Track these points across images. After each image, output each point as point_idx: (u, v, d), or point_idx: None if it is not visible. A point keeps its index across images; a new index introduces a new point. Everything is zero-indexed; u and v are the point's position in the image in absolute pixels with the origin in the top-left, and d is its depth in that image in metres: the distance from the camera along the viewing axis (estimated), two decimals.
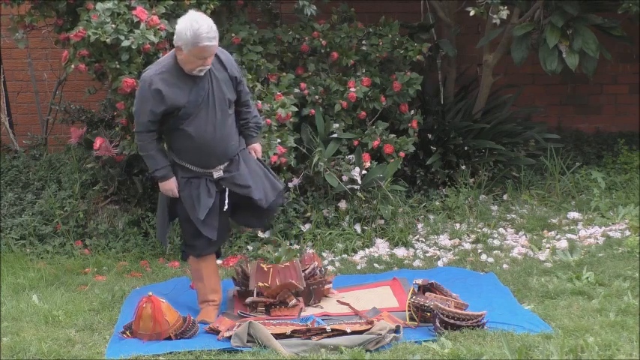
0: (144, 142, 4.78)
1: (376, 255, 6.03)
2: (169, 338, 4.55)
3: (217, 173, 4.85)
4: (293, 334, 4.45)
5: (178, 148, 4.82)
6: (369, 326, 4.43)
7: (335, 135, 6.52)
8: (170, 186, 4.84)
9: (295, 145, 6.24)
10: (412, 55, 6.74)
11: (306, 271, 5.16)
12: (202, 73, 4.66)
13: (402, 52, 6.78)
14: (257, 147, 5.06)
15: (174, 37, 4.61)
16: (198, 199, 4.82)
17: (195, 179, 4.84)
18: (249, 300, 4.98)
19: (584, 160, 7.57)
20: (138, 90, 4.81)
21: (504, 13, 6.42)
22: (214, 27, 4.59)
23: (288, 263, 5.33)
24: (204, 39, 4.51)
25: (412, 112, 6.85)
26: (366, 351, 4.26)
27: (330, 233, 6.24)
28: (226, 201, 4.90)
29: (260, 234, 6.26)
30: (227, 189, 4.89)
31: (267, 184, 5.01)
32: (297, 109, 6.26)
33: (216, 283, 5.06)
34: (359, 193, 6.40)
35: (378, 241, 6.25)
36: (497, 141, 7.08)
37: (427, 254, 6.05)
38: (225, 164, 4.87)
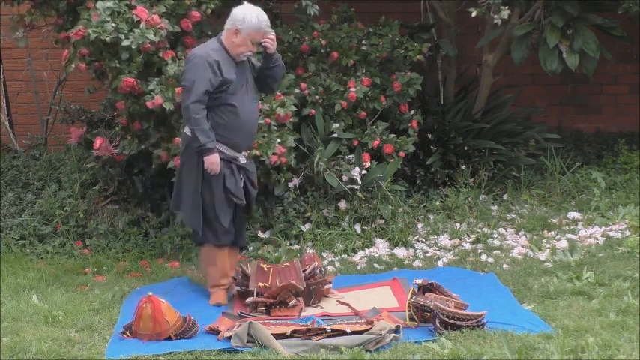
0: (198, 115, 4.98)
1: (376, 255, 6.03)
2: (169, 338, 4.55)
3: (242, 159, 5.22)
4: (293, 334, 4.45)
5: (223, 125, 5.09)
6: (369, 326, 4.43)
7: (335, 135, 6.52)
8: (216, 159, 5.05)
9: (295, 145, 6.24)
10: (412, 55, 6.74)
11: (306, 271, 5.16)
12: (245, 58, 5.14)
13: (402, 52, 6.78)
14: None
15: (231, 21, 5.05)
16: (232, 180, 5.14)
17: (226, 162, 5.13)
18: (249, 300, 4.98)
19: (584, 160, 7.57)
20: (191, 64, 5.05)
21: (505, 13, 6.42)
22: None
23: (288, 263, 5.34)
24: (266, 26, 5.08)
25: (412, 112, 6.85)
26: (366, 351, 4.26)
27: (330, 233, 6.24)
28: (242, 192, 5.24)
29: (260, 234, 6.26)
30: (244, 180, 5.26)
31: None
32: (296, 109, 6.26)
33: (228, 268, 5.31)
34: (359, 193, 6.40)
35: (378, 241, 6.25)
36: (497, 141, 7.08)
37: (427, 254, 6.05)
38: (247, 153, 5.31)
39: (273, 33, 5.22)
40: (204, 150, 5.01)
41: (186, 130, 5.14)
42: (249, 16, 5.01)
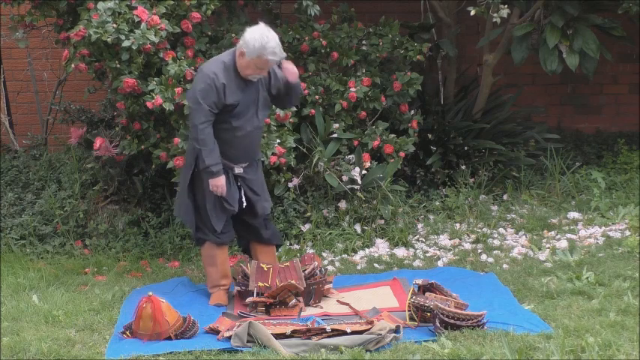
0: (205, 135, 4.95)
1: (376, 255, 6.03)
2: (169, 338, 4.55)
3: (238, 169, 5.18)
4: (293, 334, 4.45)
5: (221, 139, 5.04)
6: (369, 326, 4.43)
7: (335, 135, 6.51)
8: (221, 182, 5.04)
9: (295, 145, 6.24)
10: (412, 55, 6.74)
11: (306, 271, 5.17)
12: (255, 80, 5.03)
13: (402, 52, 6.78)
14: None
15: (241, 42, 4.93)
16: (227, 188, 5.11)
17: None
18: (249, 300, 4.99)
19: (584, 160, 7.57)
20: (200, 82, 4.99)
21: (505, 12, 6.42)
22: (280, 44, 4.95)
23: (288, 263, 5.34)
24: (270, 53, 4.88)
25: (412, 112, 6.84)
26: (366, 351, 4.26)
27: (330, 233, 6.24)
28: (243, 198, 5.22)
29: None
30: (242, 188, 5.21)
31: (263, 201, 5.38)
32: (296, 109, 6.26)
33: (228, 268, 5.35)
34: (359, 193, 6.40)
35: (378, 241, 6.25)
36: (497, 141, 7.08)
37: (427, 254, 6.05)
38: (246, 164, 5.21)
39: (290, 63, 5.17)
40: (209, 172, 5.01)
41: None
42: (252, 41, 4.87)
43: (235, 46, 6.18)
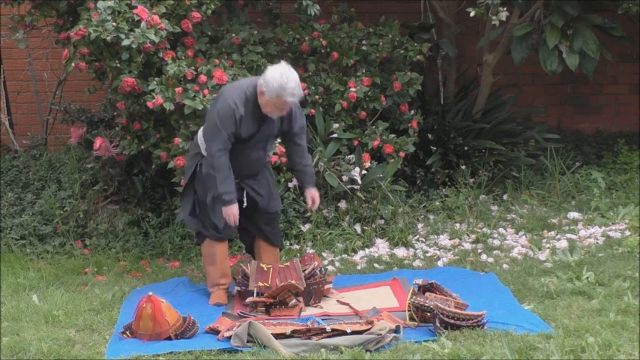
0: (221, 162, 4.95)
1: (376, 255, 6.03)
2: (169, 338, 4.55)
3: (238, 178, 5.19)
4: (293, 334, 4.45)
5: None
6: (369, 326, 4.43)
7: (335, 135, 6.52)
8: (234, 210, 5.04)
9: None
10: (412, 55, 6.74)
11: (306, 271, 5.16)
12: (274, 117, 5.02)
13: (402, 52, 6.78)
14: (315, 194, 5.33)
15: (261, 80, 4.89)
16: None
17: None
18: (249, 300, 4.99)
19: (584, 160, 7.57)
20: (221, 108, 4.94)
21: (504, 14, 6.42)
22: (300, 85, 4.92)
23: (288, 263, 5.34)
24: (289, 95, 4.86)
25: (412, 112, 6.85)
26: (366, 351, 4.26)
27: (330, 233, 6.24)
28: (245, 198, 5.21)
29: None
30: (245, 190, 5.22)
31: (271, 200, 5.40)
32: None
33: (228, 267, 5.36)
34: (359, 193, 6.40)
35: (378, 241, 6.25)
36: (497, 141, 7.08)
37: (427, 254, 6.05)
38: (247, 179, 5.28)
39: (316, 193, 5.28)
40: (222, 201, 5.01)
41: (199, 137, 5.18)
42: (272, 81, 4.83)
43: (237, 46, 6.29)
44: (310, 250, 6.00)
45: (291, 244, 6.17)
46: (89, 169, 6.64)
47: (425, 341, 4.35)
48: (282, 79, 4.82)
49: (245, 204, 5.24)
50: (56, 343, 4.49)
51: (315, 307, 5.05)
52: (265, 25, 6.78)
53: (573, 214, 6.51)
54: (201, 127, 5.25)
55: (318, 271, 5.21)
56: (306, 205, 5.43)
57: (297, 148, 5.28)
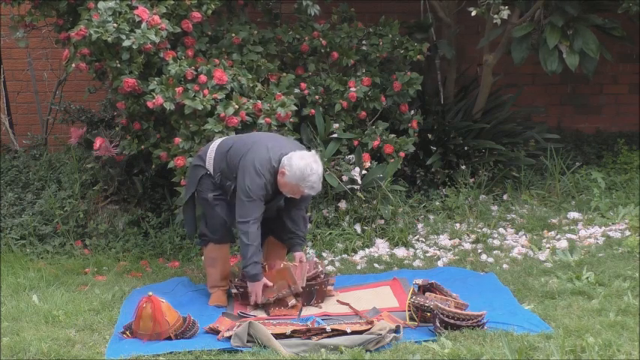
0: (254, 230, 4.95)
1: (376, 255, 6.03)
2: (169, 338, 4.55)
3: None
4: (293, 334, 4.45)
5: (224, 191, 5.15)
6: (369, 326, 4.43)
7: (335, 135, 6.51)
8: (258, 288, 5.01)
9: None
10: (412, 55, 6.74)
11: (310, 273, 5.15)
12: (289, 196, 5.05)
13: (402, 52, 6.78)
14: (302, 257, 5.33)
15: (286, 161, 4.90)
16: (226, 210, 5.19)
17: (219, 197, 5.18)
18: (252, 299, 5.00)
19: (584, 160, 7.58)
20: (255, 178, 4.92)
21: (505, 13, 6.42)
22: (321, 179, 4.97)
23: (290, 265, 5.32)
24: (307, 187, 4.91)
25: (412, 112, 6.84)
26: (366, 351, 4.26)
27: (330, 233, 6.24)
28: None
29: None
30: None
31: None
32: (297, 109, 6.26)
33: (229, 270, 5.38)
34: (359, 193, 6.40)
35: (378, 241, 6.25)
36: (497, 141, 7.08)
37: (427, 254, 6.05)
38: None
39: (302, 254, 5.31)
40: (250, 275, 4.99)
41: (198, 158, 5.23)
42: (296, 168, 4.86)
43: (237, 46, 6.29)
44: (310, 250, 6.00)
45: None
46: (89, 169, 6.64)
47: (425, 341, 4.35)
48: (305, 170, 4.86)
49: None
50: (56, 343, 4.49)
51: (315, 307, 5.05)
52: (265, 25, 6.78)
53: (573, 214, 6.51)
54: (213, 147, 5.22)
55: (321, 275, 5.20)
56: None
57: (297, 212, 5.28)
